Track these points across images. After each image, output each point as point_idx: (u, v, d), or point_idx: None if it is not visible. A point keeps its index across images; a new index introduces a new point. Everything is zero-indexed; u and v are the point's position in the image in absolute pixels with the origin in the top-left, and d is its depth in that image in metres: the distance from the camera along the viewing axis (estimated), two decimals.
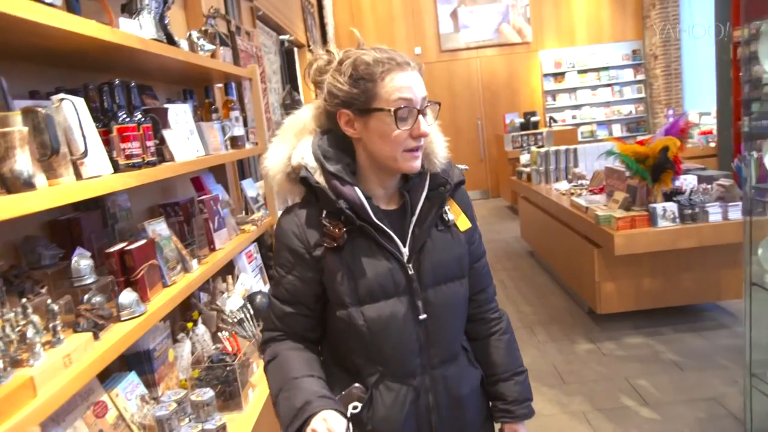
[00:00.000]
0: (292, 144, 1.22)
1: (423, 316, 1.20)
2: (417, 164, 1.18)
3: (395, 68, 1.13)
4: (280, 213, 1.29)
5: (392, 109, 1.12)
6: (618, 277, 3.68)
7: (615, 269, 3.66)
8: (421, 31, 9.05)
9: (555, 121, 8.83)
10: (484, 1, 8.96)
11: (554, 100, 9.17)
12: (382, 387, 1.19)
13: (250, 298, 2.40)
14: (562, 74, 9.09)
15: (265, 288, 2.68)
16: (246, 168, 3.19)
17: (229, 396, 1.70)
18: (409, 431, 1.22)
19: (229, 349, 1.83)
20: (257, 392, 1.82)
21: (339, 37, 8.96)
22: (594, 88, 9.16)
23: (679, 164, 3.41)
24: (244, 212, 2.89)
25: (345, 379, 1.21)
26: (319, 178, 1.17)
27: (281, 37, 4.93)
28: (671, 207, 3.43)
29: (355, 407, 1.17)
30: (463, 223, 1.30)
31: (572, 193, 4.61)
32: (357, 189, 1.17)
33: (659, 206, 3.41)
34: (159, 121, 1.85)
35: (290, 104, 4.81)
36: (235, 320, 2.10)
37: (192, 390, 1.67)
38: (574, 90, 9.14)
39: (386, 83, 1.13)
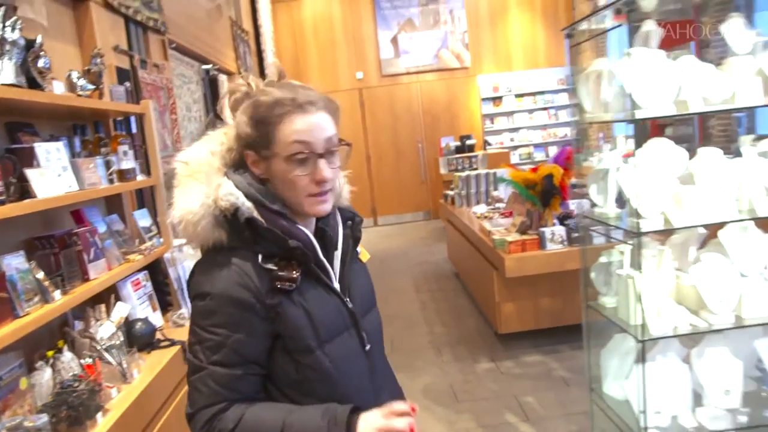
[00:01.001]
0: (209, 185, 1.11)
1: (368, 346, 1.22)
2: (324, 208, 1.15)
3: (295, 110, 1.09)
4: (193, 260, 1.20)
5: (287, 154, 1.09)
6: (517, 298, 3.86)
7: (513, 290, 3.84)
8: (363, 56, 9.28)
9: (490, 144, 9.11)
10: (424, 28, 9.25)
11: (492, 123, 9.46)
12: None
13: (129, 324, 2.49)
14: (500, 98, 9.40)
15: (154, 315, 2.77)
16: (147, 198, 3.27)
17: (75, 420, 1.78)
18: None
19: (84, 374, 1.91)
20: (109, 416, 1.91)
21: (282, 59, 9.14)
22: (531, 111, 9.48)
23: (566, 190, 3.62)
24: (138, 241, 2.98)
25: None
26: (259, 218, 1.11)
27: (204, 66, 5.05)
28: (560, 231, 3.63)
29: None
30: (364, 255, 1.36)
31: (486, 217, 4.81)
32: (304, 229, 1.14)
33: (548, 230, 3.61)
34: (18, 160, 1.96)
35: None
36: (104, 347, 2.19)
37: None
38: (511, 113, 9.46)
39: (284, 126, 1.09)
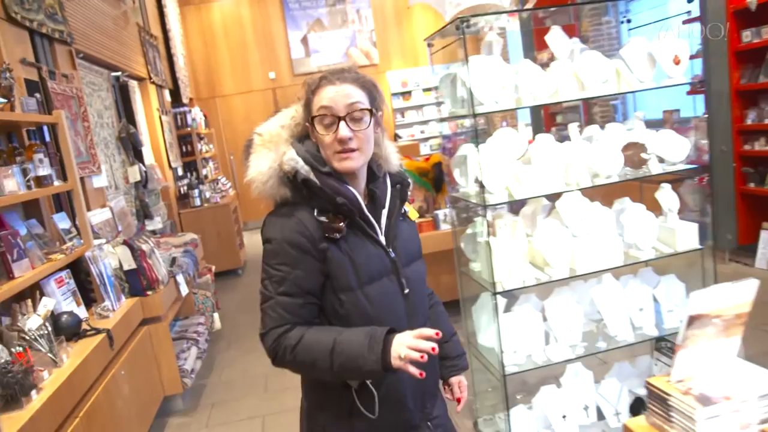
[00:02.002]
0: (277, 152, 1.34)
1: (407, 290, 1.41)
2: (348, 165, 1.33)
3: (323, 83, 1.32)
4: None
5: (316, 117, 1.31)
6: None
7: None
8: (274, 56, 9.50)
9: (401, 137, 9.58)
10: (332, 27, 9.58)
11: (403, 117, 9.94)
12: None
13: (56, 317, 2.71)
14: (409, 93, 9.89)
15: (78, 309, 2.98)
16: (65, 202, 3.44)
17: (12, 398, 2.02)
18: (407, 385, 1.41)
19: (16, 360, 2.15)
20: (42, 394, 2.15)
21: (193, 62, 9.20)
22: (439, 104, 10.00)
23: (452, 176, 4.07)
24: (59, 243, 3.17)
25: None
26: (314, 179, 1.32)
27: (114, 73, 5.17)
28: (451, 212, 4.08)
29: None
30: (413, 214, 1.55)
31: None
32: (350, 188, 1.34)
33: (441, 212, 4.06)
34: None
35: (126, 137, 5.06)
36: (32, 337, 2.42)
37: None
38: (420, 107, 9.96)
39: (316, 97, 1.32)
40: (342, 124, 1.30)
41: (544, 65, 2.49)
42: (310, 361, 1.30)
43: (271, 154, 1.35)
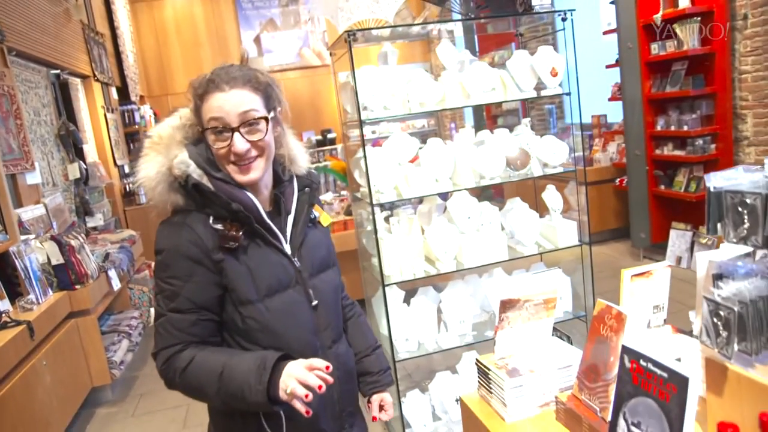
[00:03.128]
0: (167, 156, 1.25)
1: (315, 302, 1.33)
2: (247, 177, 1.25)
3: (211, 89, 1.22)
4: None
5: (207, 128, 1.22)
6: (345, 271, 4.47)
7: (342, 265, 4.45)
8: (227, 55, 9.56)
9: (349, 138, 9.75)
10: (285, 27, 9.69)
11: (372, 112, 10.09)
12: None
13: None
14: None
15: (2, 302, 3.08)
16: None
17: None
18: (320, 407, 1.32)
19: None
20: None
21: (144, 60, 9.22)
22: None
23: None
24: None
25: None
26: (207, 183, 1.23)
27: (53, 71, 5.22)
28: (355, 211, 4.29)
29: None
30: (325, 219, 1.46)
31: (329, 203, 5.40)
32: (247, 192, 1.26)
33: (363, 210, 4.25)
34: None
35: (65, 135, 5.13)
36: None
37: None
38: None
39: (205, 104, 1.23)
40: (236, 136, 1.21)
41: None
42: (197, 385, 1.22)
43: (160, 157, 1.25)
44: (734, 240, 1.19)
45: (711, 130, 4.55)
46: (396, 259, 2.61)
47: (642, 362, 1.09)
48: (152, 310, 4.92)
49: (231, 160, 1.24)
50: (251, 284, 1.25)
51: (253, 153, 1.24)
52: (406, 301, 2.80)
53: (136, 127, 7.44)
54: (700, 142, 4.55)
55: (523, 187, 3.65)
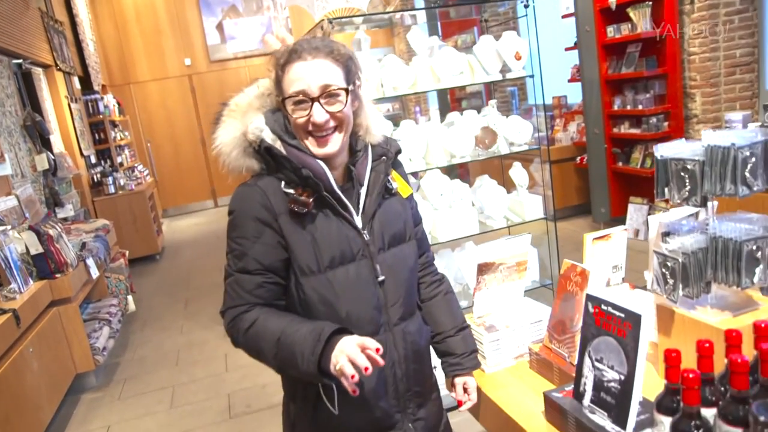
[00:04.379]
0: (242, 122, 1.25)
1: (381, 278, 1.29)
2: (324, 150, 1.23)
3: (293, 58, 1.20)
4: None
5: (287, 97, 1.20)
6: None
7: None
8: (190, 42, 9.49)
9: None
10: (248, 14, 9.66)
11: None
12: None
13: None
14: None
15: None
16: None
17: None
18: (380, 385, 1.30)
19: None
20: None
21: (105, 49, 9.08)
22: None
23: None
24: None
25: None
26: (280, 149, 1.22)
27: (15, 61, 5.16)
28: None
29: None
30: (405, 190, 1.40)
31: None
32: (319, 161, 1.23)
33: None
34: None
35: (31, 125, 5.09)
36: None
37: None
38: None
39: (286, 74, 1.21)
40: (316, 106, 1.19)
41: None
42: (257, 348, 1.22)
43: (237, 123, 1.26)
44: (678, 201, 1.38)
45: (663, 109, 4.81)
46: None
47: (603, 306, 1.27)
48: (129, 297, 4.97)
49: (309, 130, 1.22)
50: (313, 254, 1.23)
51: (332, 124, 1.22)
52: None
53: (101, 116, 7.37)
54: (653, 120, 4.81)
55: (491, 165, 3.83)
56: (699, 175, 1.32)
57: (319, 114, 1.19)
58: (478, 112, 3.09)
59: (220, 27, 9.56)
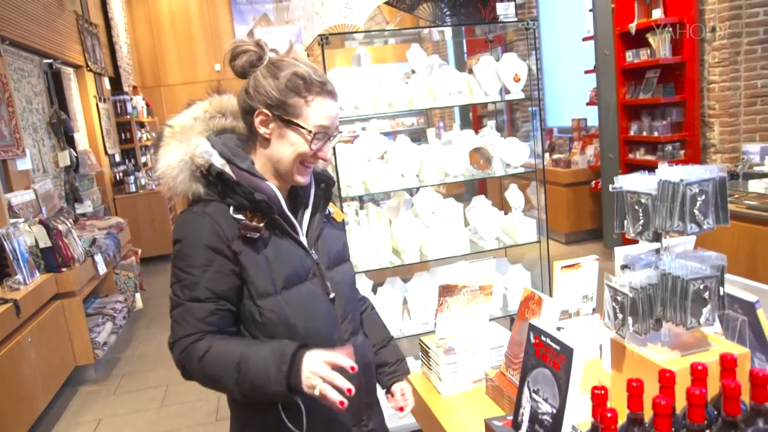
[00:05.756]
0: (188, 145, 1.25)
1: (332, 295, 1.33)
2: (306, 179, 1.30)
3: (323, 94, 1.24)
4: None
5: (312, 131, 1.22)
6: None
7: None
8: (220, 49, 9.68)
9: (341, 132, 9.89)
10: (279, 23, 9.82)
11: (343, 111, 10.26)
12: None
13: None
14: None
15: None
16: None
17: None
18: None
19: None
20: None
21: (139, 51, 9.33)
22: None
23: None
24: None
25: None
26: (230, 172, 1.23)
27: (46, 60, 5.35)
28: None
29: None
30: (338, 215, 1.47)
31: None
32: (270, 184, 1.26)
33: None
34: None
35: (57, 123, 5.26)
36: None
37: None
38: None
39: (313, 106, 1.23)
40: (329, 144, 1.28)
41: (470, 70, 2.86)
42: (215, 375, 1.20)
43: (183, 146, 1.25)
44: (632, 234, 1.36)
45: (680, 137, 4.73)
46: (364, 250, 2.77)
47: (543, 337, 1.26)
48: (137, 295, 5.07)
49: (306, 161, 1.27)
50: (269, 276, 1.24)
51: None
52: (374, 290, 2.96)
53: (128, 117, 7.57)
54: (669, 147, 4.73)
55: (495, 184, 3.82)
56: (651, 209, 1.30)
57: (329, 151, 1.27)
58: (499, 130, 3.09)
59: (251, 35, 9.72)
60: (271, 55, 1.32)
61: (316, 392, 1.11)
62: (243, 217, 1.23)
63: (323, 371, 1.12)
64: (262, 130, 1.25)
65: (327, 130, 1.25)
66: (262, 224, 1.23)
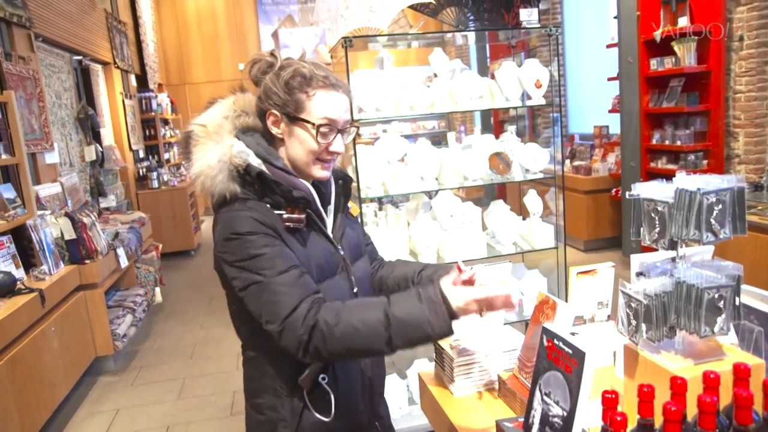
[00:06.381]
0: (222, 146, 1.26)
1: (356, 290, 1.38)
2: (326, 174, 1.32)
3: (326, 87, 1.25)
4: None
5: (316, 123, 1.24)
6: None
7: None
8: (245, 49, 9.81)
9: (360, 135, 9.97)
10: (303, 24, 9.91)
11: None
12: None
13: None
14: None
15: (17, 271, 3.32)
16: (12, 174, 3.76)
17: None
18: (357, 387, 1.40)
19: None
20: None
21: (165, 49, 9.48)
22: None
23: None
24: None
25: (298, 363, 1.27)
26: (268, 172, 1.25)
27: (75, 57, 5.47)
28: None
29: (323, 378, 1.30)
30: (354, 210, 1.52)
31: None
32: (303, 181, 1.30)
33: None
34: None
35: (84, 118, 5.38)
36: None
37: None
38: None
39: (317, 99, 1.24)
40: (339, 137, 1.29)
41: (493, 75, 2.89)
42: (360, 340, 1.16)
43: (219, 146, 1.27)
44: (648, 242, 1.37)
45: (704, 147, 4.68)
46: (382, 251, 2.79)
47: (555, 341, 1.28)
48: (157, 289, 5.16)
49: (322, 157, 1.29)
50: (311, 268, 1.27)
51: (337, 156, 1.33)
52: None
53: (153, 114, 7.70)
54: (692, 157, 4.69)
55: (514, 189, 3.82)
56: (668, 217, 1.31)
57: (340, 145, 1.29)
58: (520, 135, 3.10)
59: (275, 35, 9.84)
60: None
61: (483, 315, 1.21)
62: (282, 212, 1.26)
63: (476, 295, 1.19)
64: (274, 130, 1.30)
65: (333, 123, 1.26)
66: (303, 215, 1.27)
